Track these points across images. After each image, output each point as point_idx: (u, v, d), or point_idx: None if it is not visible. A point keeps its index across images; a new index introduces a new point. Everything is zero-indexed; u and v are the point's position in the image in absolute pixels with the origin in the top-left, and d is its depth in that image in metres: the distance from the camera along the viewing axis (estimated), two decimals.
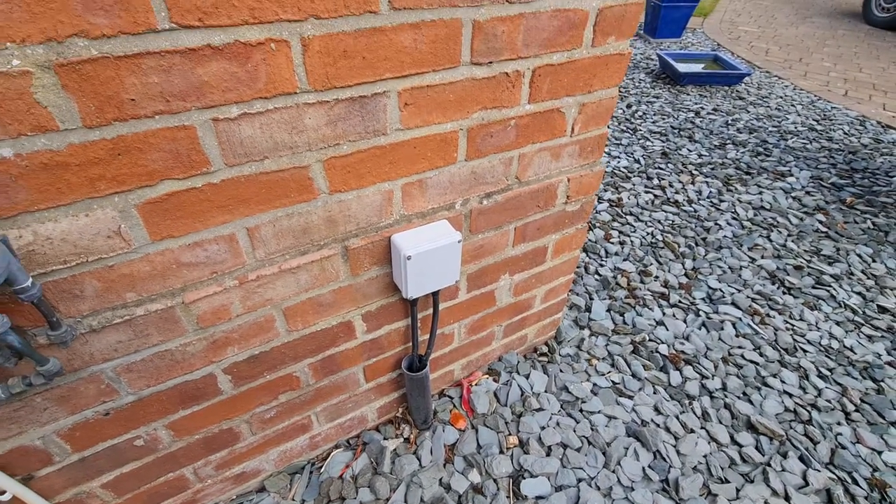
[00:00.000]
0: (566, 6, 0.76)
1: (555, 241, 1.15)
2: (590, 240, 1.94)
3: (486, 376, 1.33)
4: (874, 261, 1.86)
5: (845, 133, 2.90)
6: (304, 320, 0.86)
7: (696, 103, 3.33)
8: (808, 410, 1.29)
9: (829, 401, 1.32)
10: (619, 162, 2.53)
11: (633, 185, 2.34)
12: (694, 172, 2.45)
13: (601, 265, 1.80)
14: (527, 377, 1.34)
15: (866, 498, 1.09)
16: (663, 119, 3.06)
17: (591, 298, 1.64)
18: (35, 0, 0.44)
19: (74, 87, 0.49)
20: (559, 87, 0.86)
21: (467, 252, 0.99)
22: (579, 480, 1.10)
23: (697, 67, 3.85)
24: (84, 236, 0.58)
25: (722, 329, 1.53)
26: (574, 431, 1.20)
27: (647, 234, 1.99)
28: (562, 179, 1.02)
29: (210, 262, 0.69)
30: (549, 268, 1.21)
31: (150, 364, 0.74)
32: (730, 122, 3.04)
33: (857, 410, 1.30)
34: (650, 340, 1.49)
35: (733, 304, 1.64)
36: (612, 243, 1.92)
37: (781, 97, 3.45)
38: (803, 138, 2.83)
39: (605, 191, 2.28)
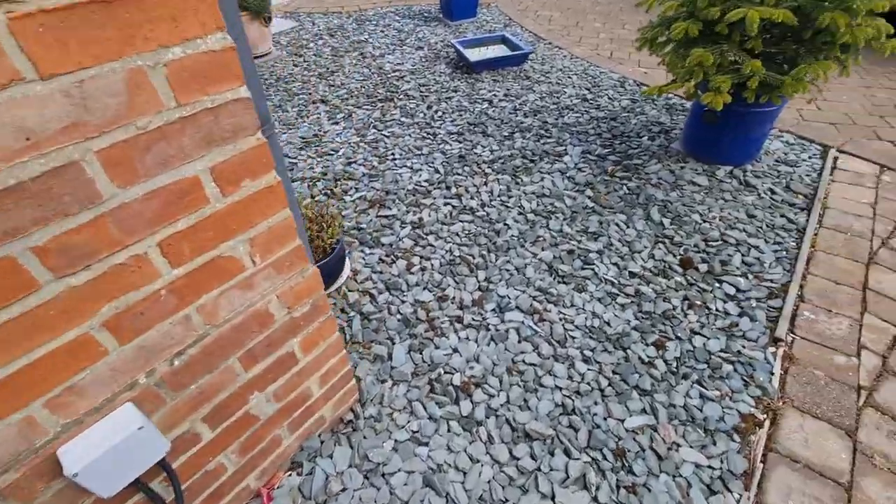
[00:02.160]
0: (161, 184, 0.73)
1: (298, 343, 1.16)
2: (392, 274, 2.01)
3: (289, 472, 1.34)
4: (627, 227, 2.19)
5: (610, 99, 3.32)
6: None
7: (490, 91, 3.54)
8: (572, 399, 1.50)
9: (588, 383, 1.55)
10: (420, 175, 2.62)
11: (434, 199, 2.44)
12: (487, 171, 2.63)
13: (403, 301, 1.88)
14: (330, 457, 1.37)
15: (612, 469, 1.33)
16: (461, 116, 3.21)
17: (394, 343, 1.71)
18: None
19: None
20: (207, 240, 0.84)
21: (186, 404, 0.96)
22: None
23: (489, 52, 4.07)
24: None
25: (507, 339, 1.71)
26: (375, 502, 1.27)
27: (446, 251, 2.11)
28: (271, 299, 1.03)
29: None
30: (309, 362, 1.23)
31: None
32: (517, 106, 3.29)
33: (609, 384, 1.55)
34: (445, 373, 1.60)
35: (517, 308, 1.83)
36: (413, 272, 2.01)
37: (561, 70, 3.81)
38: (577, 112, 3.17)
39: (408, 213, 2.35)
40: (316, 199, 2.49)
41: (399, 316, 1.82)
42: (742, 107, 2.19)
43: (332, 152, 2.89)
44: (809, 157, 2.59)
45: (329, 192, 2.55)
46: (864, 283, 1.83)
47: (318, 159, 2.83)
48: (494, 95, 3.46)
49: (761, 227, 2.13)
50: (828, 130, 2.81)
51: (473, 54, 3.95)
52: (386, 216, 2.35)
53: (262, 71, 4.07)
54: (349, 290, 1.93)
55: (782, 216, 2.19)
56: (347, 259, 2.04)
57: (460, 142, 2.92)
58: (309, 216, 1.84)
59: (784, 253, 2.00)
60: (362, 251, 2.14)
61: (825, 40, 1.89)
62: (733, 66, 1.98)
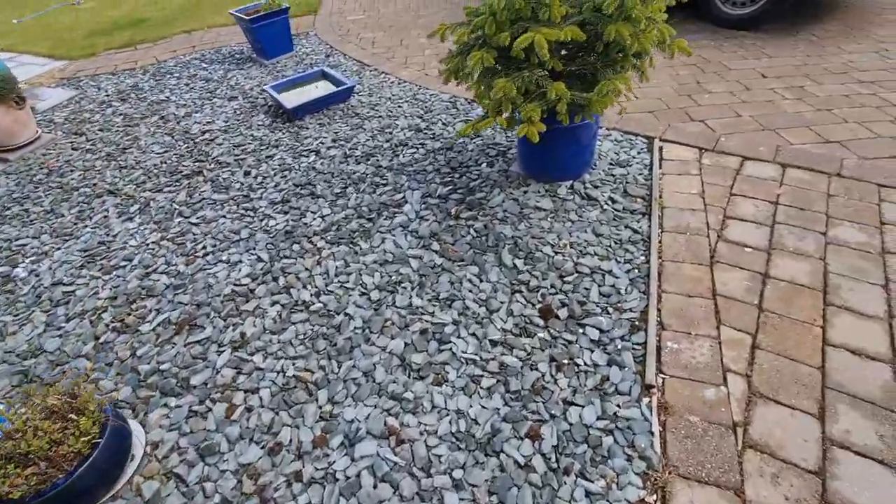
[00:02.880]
0: None
1: None
2: (208, 430, 1.55)
3: None
4: (481, 280, 1.96)
5: (444, 124, 3.11)
6: None
7: (316, 139, 3.15)
8: None
9: None
10: (239, 270, 2.16)
11: (259, 300, 2.00)
12: (320, 245, 2.25)
13: (222, 471, 1.44)
14: None
15: None
16: (285, 178, 2.78)
17: None
18: None
19: None
20: None
21: None
22: None
23: (310, 91, 3.66)
24: None
25: (360, 487, 1.36)
26: None
27: (278, 373, 1.70)
28: None
29: None
30: None
31: None
32: (348, 152, 2.95)
33: None
34: None
35: (369, 433, 1.49)
36: (236, 419, 1.57)
37: (390, 99, 3.54)
38: (412, 147, 2.92)
39: (226, 329, 1.89)
40: (102, 336, 1.91)
41: (217, 498, 1.37)
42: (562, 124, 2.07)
43: (125, 262, 2.30)
44: (638, 153, 2.60)
45: (120, 323, 1.98)
46: (713, 289, 1.78)
47: (106, 278, 2.22)
48: (321, 143, 3.08)
49: (610, 246, 2.04)
50: (648, 120, 2.87)
51: (292, 98, 3.52)
52: (198, 341, 1.86)
53: (28, 165, 3.25)
54: (145, 478, 1.43)
55: (627, 227, 2.12)
56: (139, 432, 1.54)
57: (286, 212, 2.50)
58: (53, 406, 1.31)
59: (636, 272, 1.91)
60: (166, 405, 1.64)
61: (618, 50, 1.81)
62: (540, 91, 1.82)
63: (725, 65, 3.45)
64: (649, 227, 2.10)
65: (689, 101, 3.04)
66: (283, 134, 3.26)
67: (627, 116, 2.92)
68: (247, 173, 2.87)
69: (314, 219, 2.42)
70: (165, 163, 3.08)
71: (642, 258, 1.96)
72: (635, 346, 1.64)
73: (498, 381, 1.59)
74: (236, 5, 4.72)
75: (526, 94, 1.86)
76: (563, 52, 1.95)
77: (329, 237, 2.29)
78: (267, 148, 3.11)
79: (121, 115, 3.82)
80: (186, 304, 2.02)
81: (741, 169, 2.38)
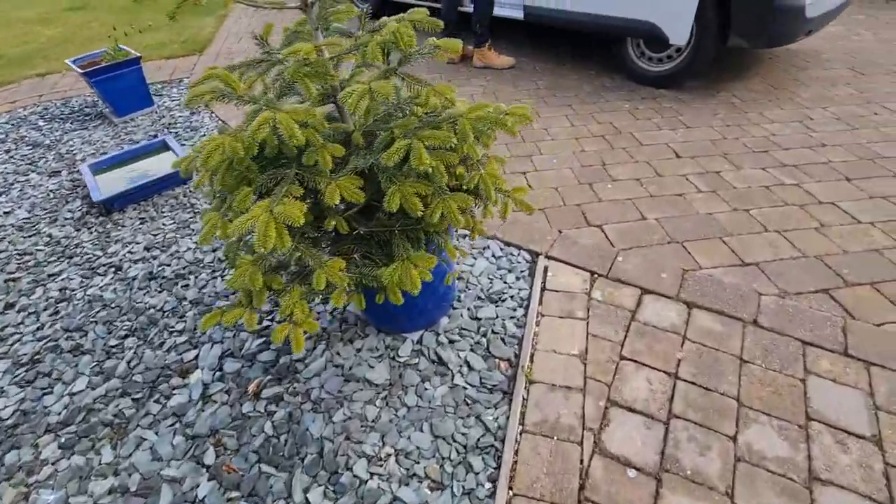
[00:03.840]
0: None
1: None
2: None
3: None
4: None
5: None
6: None
7: (128, 243, 2.44)
8: None
9: None
10: None
11: None
12: (45, 456, 1.54)
13: None
14: None
15: None
16: (56, 315, 2.05)
17: None
18: None
19: None
20: None
21: None
22: None
23: (148, 169, 2.95)
24: None
25: None
26: None
27: None
28: None
29: None
30: None
31: None
32: (157, 269, 2.25)
33: None
34: None
35: None
36: None
37: None
38: None
39: None
40: None
41: None
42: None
43: None
44: (517, 279, 2.03)
45: None
46: None
47: None
48: (130, 253, 2.37)
49: (450, 459, 1.44)
50: (537, 224, 2.33)
51: (112, 183, 2.80)
52: None
53: None
54: None
55: (479, 421, 1.53)
56: None
57: (29, 382, 1.78)
58: None
59: None
60: None
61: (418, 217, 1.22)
62: (306, 271, 1.21)
63: (637, 139, 2.98)
64: (507, 421, 1.51)
65: (589, 192, 2.52)
66: (90, 235, 2.53)
67: (513, 218, 2.37)
68: (10, 306, 2.13)
69: (59, 398, 1.71)
70: None
71: (489, 487, 1.37)
72: None
73: None
74: (117, 40, 3.91)
75: (294, 276, 1.24)
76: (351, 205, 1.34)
77: (66, 437, 1.59)
78: (57, 259, 2.38)
79: None
80: None
81: (638, 310, 1.84)
